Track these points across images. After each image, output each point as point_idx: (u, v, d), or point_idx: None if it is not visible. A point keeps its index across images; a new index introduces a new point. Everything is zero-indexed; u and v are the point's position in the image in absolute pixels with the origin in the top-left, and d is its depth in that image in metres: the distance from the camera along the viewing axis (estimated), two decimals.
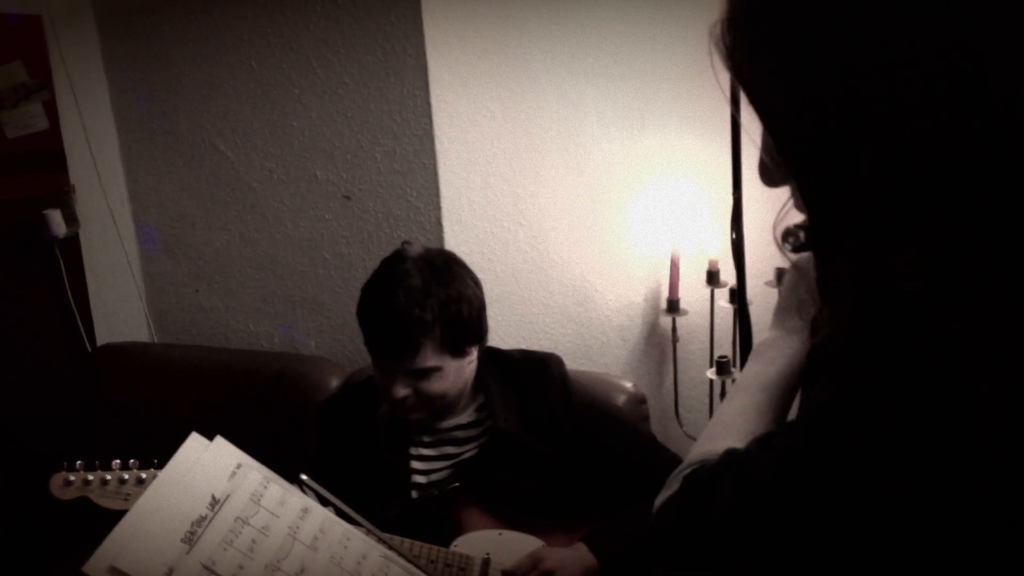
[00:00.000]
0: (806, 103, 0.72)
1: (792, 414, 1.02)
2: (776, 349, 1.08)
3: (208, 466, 1.32)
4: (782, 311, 1.12)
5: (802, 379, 0.89)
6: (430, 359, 1.96)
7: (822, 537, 0.79)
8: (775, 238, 0.81)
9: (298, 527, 1.33)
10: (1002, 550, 0.74)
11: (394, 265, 2.02)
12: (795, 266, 1.05)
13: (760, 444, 0.87)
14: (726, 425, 1.02)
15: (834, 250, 0.76)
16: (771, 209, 2.67)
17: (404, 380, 1.99)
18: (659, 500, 0.96)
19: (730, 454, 0.90)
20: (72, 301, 2.84)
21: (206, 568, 1.20)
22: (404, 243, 2.11)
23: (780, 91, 0.74)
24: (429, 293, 1.96)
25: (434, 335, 1.95)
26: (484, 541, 1.97)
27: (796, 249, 0.80)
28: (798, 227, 0.80)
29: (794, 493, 0.80)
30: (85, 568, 1.13)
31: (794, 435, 0.83)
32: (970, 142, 0.66)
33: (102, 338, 2.93)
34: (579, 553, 1.93)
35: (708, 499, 0.88)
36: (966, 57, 0.66)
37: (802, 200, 0.78)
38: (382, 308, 1.98)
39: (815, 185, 0.76)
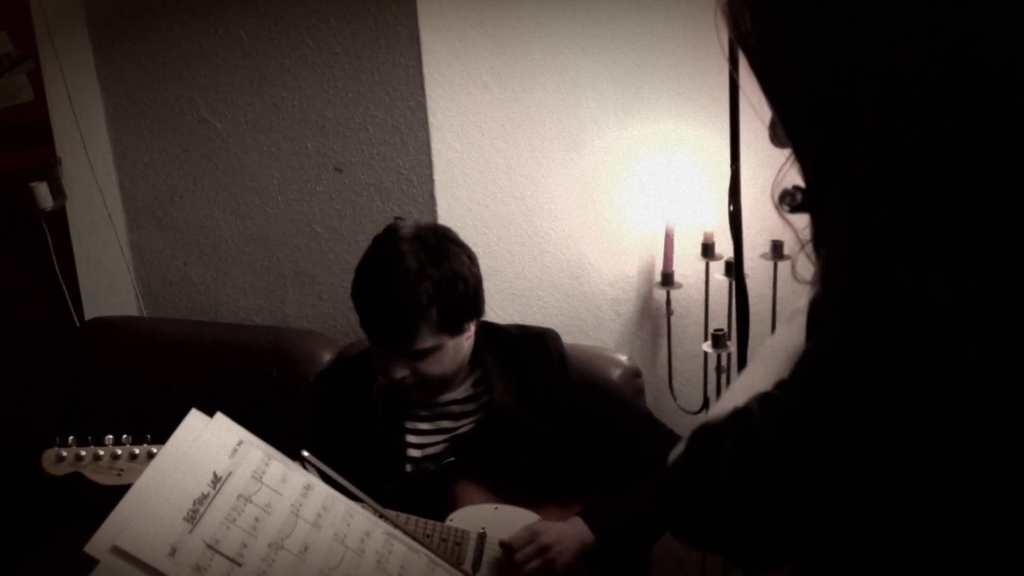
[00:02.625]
0: (809, 71, 0.77)
1: None
2: (804, 317, 1.09)
3: (209, 443, 1.30)
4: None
5: (806, 337, 0.92)
6: (428, 340, 1.95)
7: (815, 491, 0.82)
8: (772, 198, 0.85)
9: (301, 504, 1.32)
10: (985, 498, 0.77)
11: (387, 246, 2.00)
12: (794, 228, 1.09)
13: (760, 401, 0.88)
14: (746, 387, 1.02)
15: (825, 211, 0.81)
16: (768, 182, 2.67)
17: (402, 361, 1.98)
18: (672, 455, 0.98)
19: (737, 412, 0.92)
20: (60, 275, 2.81)
21: (209, 547, 1.18)
22: (396, 219, 2.08)
23: (784, 62, 0.79)
24: (424, 275, 1.94)
25: (431, 317, 1.94)
26: (480, 516, 1.97)
27: (793, 209, 0.84)
28: (796, 188, 0.84)
29: (784, 448, 0.83)
30: (87, 548, 1.12)
31: (787, 390, 0.86)
32: (958, 106, 0.71)
33: (90, 312, 2.91)
34: (575, 528, 1.93)
35: (712, 456, 0.90)
36: (949, 46, 0.71)
37: (798, 162, 0.83)
38: (377, 293, 1.97)
39: (814, 150, 0.81)
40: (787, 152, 0.88)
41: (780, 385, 0.88)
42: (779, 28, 0.79)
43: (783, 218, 0.87)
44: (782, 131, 0.84)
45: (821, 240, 0.82)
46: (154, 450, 1.86)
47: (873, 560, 0.85)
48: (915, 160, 0.73)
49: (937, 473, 0.77)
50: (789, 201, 0.84)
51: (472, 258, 2.07)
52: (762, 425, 0.85)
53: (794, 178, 0.86)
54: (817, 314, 0.86)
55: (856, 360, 0.77)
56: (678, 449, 0.97)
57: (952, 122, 0.71)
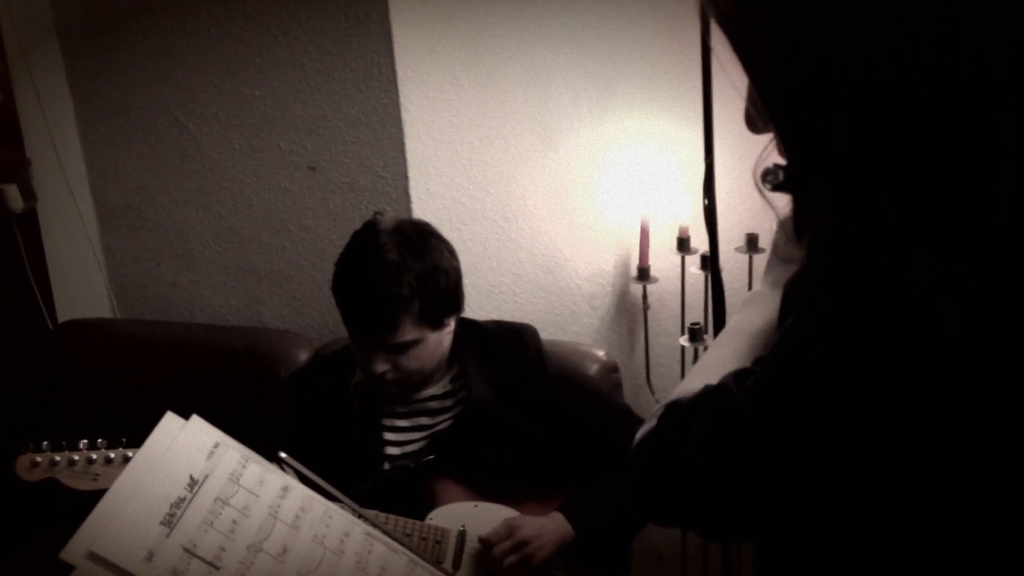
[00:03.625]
0: (787, 56, 0.77)
1: None
2: (763, 300, 1.10)
3: (185, 446, 1.29)
4: (769, 266, 1.14)
5: (780, 315, 0.92)
6: (409, 333, 1.95)
7: (788, 466, 0.83)
8: (754, 178, 0.85)
9: (279, 506, 1.31)
10: (960, 477, 0.78)
11: (368, 239, 2.00)
12: (773, 206, 1.07)
13: (735, 377, 0.89)
14: (709, 367, 1.03)
15: (807, 190, 0.81)
16: (742, 176, 2.66)
17: (383, 355, 1.97)
18: (638, 435, 0.99)
19: (707, 389, 0.93)
20: (31, 277, 2.78)
21: (187, 551, 1.17)
22: (376, 214, 2.08)
23: (761, 40, 0.79)
24: (406, 267, 1.93)
25: (412, 310, 1.94)
26: (459, 513, 1.97)
27: (774, 188, 0.84)
28: (777, 167, 0.84)
29: (763, 424, 0.83)
30: (63, 555, 1.10)
31: (766, 368, 0.87)
32: (930, 95, 0.72)
33: (63, 315, 2.88)
34: (555, 522, 1.93)
35: (683, 431, 0.90)
36: (917, 26, 0.72)
37: (781, 145, 0.83)
38: (358, 285, 1.96)
39: (792, 131, 0.81)
40: (762, 139, 0.88)
41: (758, 361, 0.89)
42: (756, 6, 0.79)
43: (763, 196, 0.87)
44: (762, 112, 0.85)
45: (802, 219, 0.82)
46: (129, 454, 1.84)
47: (842, 534, 0.86)
48: (894, 140, 0.73)
49: (914, 450, 0.78)
50: (771, 180, 0.84)
51: (452, 253, 2.07)
52: (739, 399, 0.86)
53: (776, 157, 0.86)
54: (797, 292, 0.87)
55: (840, 336, 0.77)
56: (647, 426, 0.98)
57: (930, 102, 0.72)
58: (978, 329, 0.73)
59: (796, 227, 0.83)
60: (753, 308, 1.11)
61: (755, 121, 0.88)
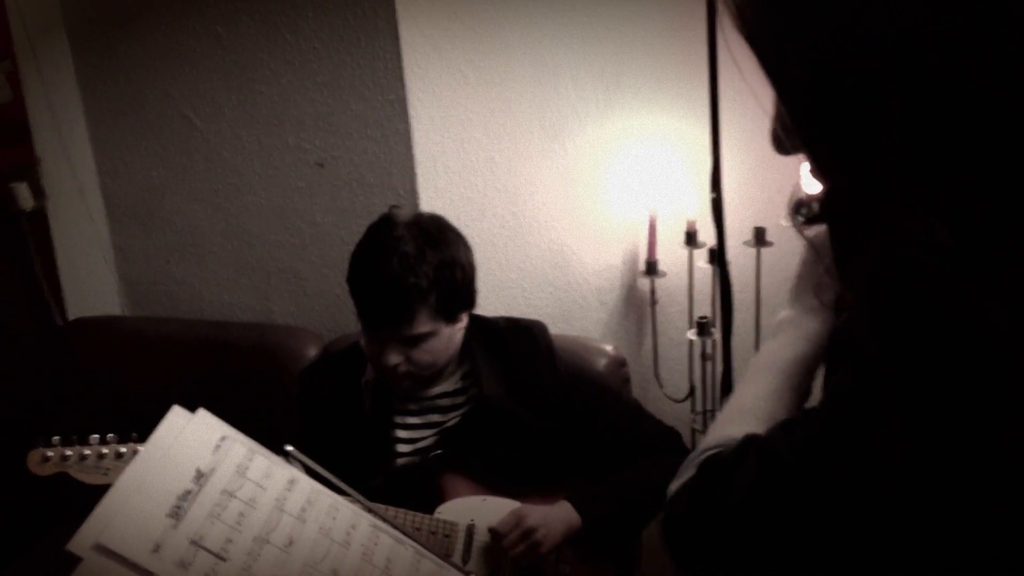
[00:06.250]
0: (823, 65, 0.66)
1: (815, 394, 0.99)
2: (794, 330, 1.05)
3: (191, 439, 1.29)
4: (798, 289, 1.08)
5: (827, 363, 0.86)
6: (424, 325, 1.95)
7: (839, 526, 0.77)
8: (788, 211, 0.77)
9: (285, 499, 1.31)
10: None
11: (385, 231, 1.99)
12: (811, 243, 0.96)
13: (782, 430, 0.84)
14: (744, 410, 0.99)
15: (852, 224, 0.70)
16: (749, 169, 2.65)
17: (397, 348, 1.97)
18: (673, 486, 0.93)
19: (750, 439, 0.88)
20: (42, 275, 2.79)
21: (194, 543, 1.17)
22: (392, 207, 2.08)
23: (794, 52, 0.68)
24: (424, 259, 1.93)
25: (429, 302, 1.93)
26: (468, 508, 1.97)
27: (809, 221, 0.75)
28: (812, 198, 0.74)
29: (813, 482, 0.78)
30: (69, 546, 1.10)
31: (816, 422, 0.80)
32: (1003, 106, 0.61)
33: (73, 312, 2.89)
34: (562, 511, 1.94)
35: (726, 484, 0.85)
36: (997, 10, 0.61)
37: (817, 170, 0.72)
38: (376, 276, 1.95)
39: (832, 154, 0.70)
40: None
41: (809, 413, 0.83)
42: (787, 18, 0.68)
43: (799, 233, 0.78)
44: (793, 132, 0.74)
45: (847, 258, 0.72)
46: (140, 448, 1.85)
47: None
48: (958, 167, 0.62)
49: (984, 517, 0.70)
50: (805, 212, 0.75)
51: (468, 247, 2.06)
52: (788, 455, 0.80)
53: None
54: (847, 341, 0.79)
55: (899, 397, 0.70)
56: (682, 477, 0.93)
57: (1010, 111, 0.60)
58: None
59: (838, 265, 0.73)
60: (784, 338, 1.05)
61: (784, 141, 0.78)
